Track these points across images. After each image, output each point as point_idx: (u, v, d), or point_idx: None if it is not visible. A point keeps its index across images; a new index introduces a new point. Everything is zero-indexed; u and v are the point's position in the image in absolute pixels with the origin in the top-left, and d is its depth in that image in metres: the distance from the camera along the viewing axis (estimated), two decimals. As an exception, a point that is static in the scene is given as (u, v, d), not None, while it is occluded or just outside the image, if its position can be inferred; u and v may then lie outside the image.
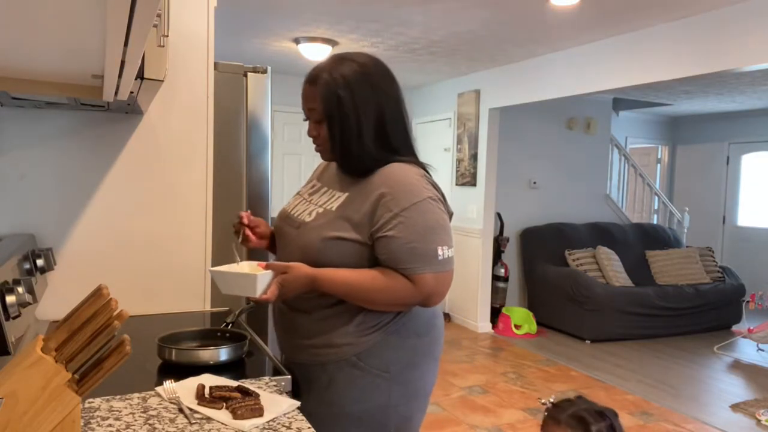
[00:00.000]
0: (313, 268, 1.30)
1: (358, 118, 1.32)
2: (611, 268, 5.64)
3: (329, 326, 1.36)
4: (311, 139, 1.43)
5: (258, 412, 1.11)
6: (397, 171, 1.33)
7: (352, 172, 1.38)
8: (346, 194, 1.37)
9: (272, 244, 1.58)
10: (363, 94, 1.33)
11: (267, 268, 1.28)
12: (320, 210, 1.38)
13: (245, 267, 1.38)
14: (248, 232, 1.49)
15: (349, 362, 1.34)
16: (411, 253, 1.27)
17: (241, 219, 1.49)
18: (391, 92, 1.38)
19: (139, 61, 1.09)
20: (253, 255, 1.97)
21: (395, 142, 1.37)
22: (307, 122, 1.41)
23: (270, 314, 2.21)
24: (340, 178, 1.43)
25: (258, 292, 1.25)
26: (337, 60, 1.36)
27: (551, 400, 1.45)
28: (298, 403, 1.18)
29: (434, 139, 6.16)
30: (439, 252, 1.29)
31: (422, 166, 1.40)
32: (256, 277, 1.25)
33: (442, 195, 1.37)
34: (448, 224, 1.34)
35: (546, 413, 1.43)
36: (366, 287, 1.29)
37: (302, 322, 1.40)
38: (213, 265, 2.01)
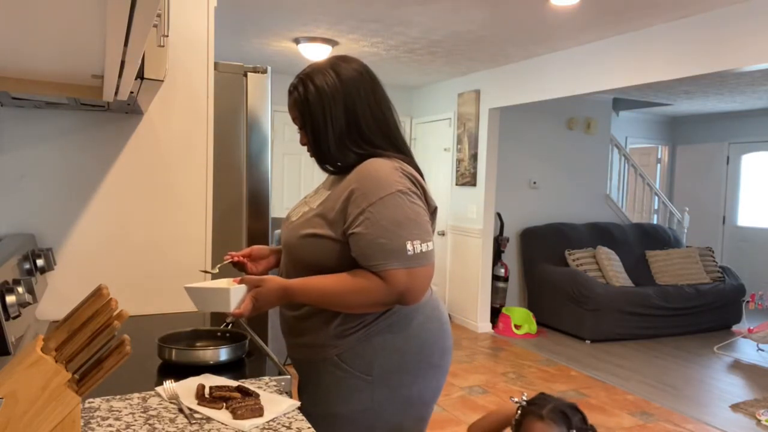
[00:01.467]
0: (286, 279, 1.30)
1: (326, 118, 1.33)
2: (611, 268, 5.64)
3: (312, 326, 1.37)
4: None
5: (258, 412, 1.11)
6: (369, 166, 1.30)
7: (333, 172, 1.41)
8: (328, 192, 1.37)
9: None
10: (330, 95, 1.33)
11: (241, 282, 1.28)
12: (305, 209, 1.41)
13: (223, 283, 1.36)
14: (240, 260, 1.49)
15: (332, 362, 1.35)
16: (379, 249, 1.23)
17: (233, 260, 1.49)
18: (364, 89, 1.36)
19: (139, 61, 1.09)
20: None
21: (374, 139, 1.35)
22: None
23: (270, 314, 2.21)
24: (331, 179, 1.45)
25: (232, 306, 1.24)
26: (311, 67, 1.39)
27: (524, 398, 1.47)
28: (298, 403, 1.18)
29: (434, 139, 6.16)
30: (408, 246, 1.24)
31: (404, 160, 1.35)
32: (229, 291, 1.24)
33: (422, 187, 1.33)
34: (421, 217, 1.28)
35: (521, 411, 1.43)
36: (338, 291, 1.26)
37: (293, 321, 1.42)
38: (214, 265, 2.02)
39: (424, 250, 1.26)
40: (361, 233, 1.25)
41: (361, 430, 1.36)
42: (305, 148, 1.41)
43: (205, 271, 1.59)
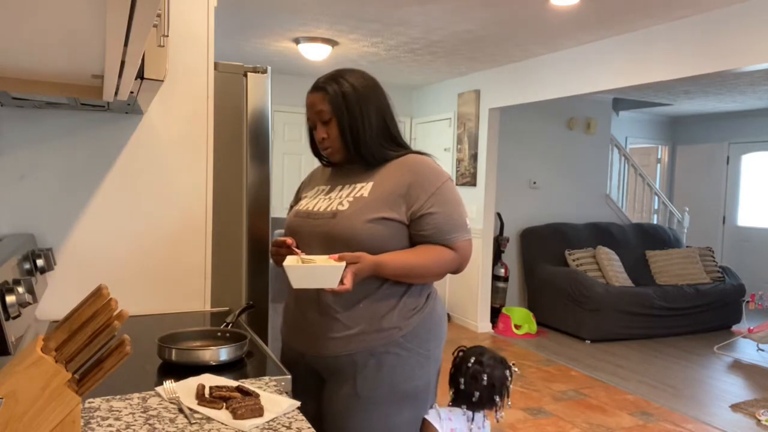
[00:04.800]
0: (375, 255, 1.39)
1: (363, 112, 1.47)
2: (611, 268, 5.64)
3: (375, 313, 1.44)
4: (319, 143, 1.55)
5: (258, 412, 1.11)
6: (418, 159, 1.51)
7: (367, 162, 1.50)
8: (371, 182, 1.48)
9: None
10: (365, 94, 1.49)
11: (340, 259, 1.32)
12: (350, 199, 1.46)
13: (319, 260, 1.38)
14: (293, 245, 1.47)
15: (396, 343, 1.45)
16: (453, 223, 1.45)
17: (285, 245, 1.46)
18: (385, 98, 1.55)
19: (139, 61, 1.09)
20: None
21: (397, 137, 1.54)
22: (314, 131, 1.53)
23: (270, 314, 2.21)
24: (354, 173, 1.53)
25: (337, 282, 1.30)
26: (338, 71, 1.52)
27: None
28: (298, 403, 1.18)
29: (434, 139, 6.16)
30: (467, 221, 1.50)
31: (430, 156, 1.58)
32: (339, 268, 1.29)
33: None
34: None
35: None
36: (424, 263, 1.44)
37: (344, 312, 1.44)
38: (213, 265, 2.02)
39: (470, 225, 1.54)
40: (437, 212, 1.44)
41: (419, 401, 1.49)
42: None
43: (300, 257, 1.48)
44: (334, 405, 1.48)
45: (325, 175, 1.64)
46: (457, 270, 1.50)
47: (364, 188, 1.48)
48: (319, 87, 1.50)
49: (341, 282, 1.30)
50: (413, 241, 1.47)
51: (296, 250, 1.45)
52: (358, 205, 1.44)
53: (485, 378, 1.53)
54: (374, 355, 1.44)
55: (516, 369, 1.61)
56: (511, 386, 1.57)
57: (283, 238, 1.50)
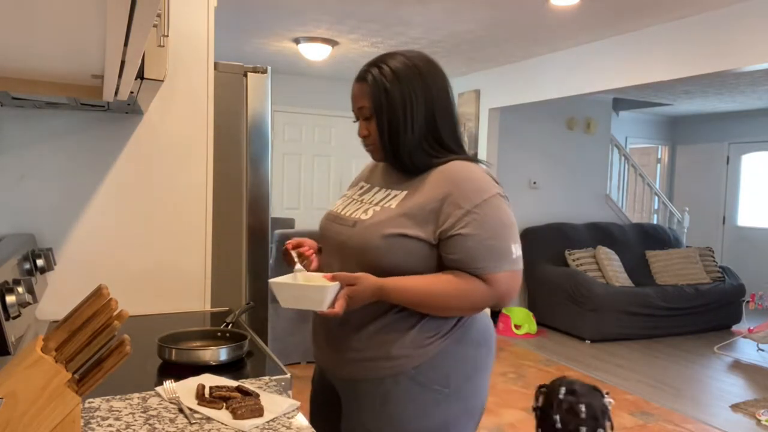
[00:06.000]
0: (379, 277, 1.21)
1: (407, 110, 1.27)
2: (611, 268, 5.64)
3: (385, 338, 1.26)
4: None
5: (258, 412, 1.11)
6: (460, 167, 1.27)
7: (405, 169, 1.32)
8: (405, 192, 1.29)
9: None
10: (411, 87, 1.27)
11: (333, 279, 1.19)
12: (377, 208, 1.30)
13: (299, 278, 1.29)
14: (307, 252, 1.39)
15: (406, 375, 1.25)
16: (488, 250, 1.20)
17: (288, 248, 1.39)
18: (441, 86, 1.31)
19: (139, 61, 1.09)
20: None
21: (446, 138, 1.31)
22: (358, 123, 1.37)
23: (270, 314, 2.21)
24: (395, 177, 1.35)
25: (326, 305, 1.17)
26: (386, 55, 1.32)
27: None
28: (298, 404, 1.18)
29: (434, 139, 6.15)
30: (513, 249, 1.23)
31: (482, 163, 1.34)
32: (326, 290, 1.16)
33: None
34: (515, 222, 1.27)
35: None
36: (439, 293, 1.22)
37: (353, 335, 1.29)
38: (213, 265, 2.02)
39: (520, 254, 1.26)
40: (469, 234, 1.20)
41: None
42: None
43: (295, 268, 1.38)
44: None
45: (376, 170, 1.46)
46: (494, 306, 1.25)
47: (396, 198, 1.29)
48: (360, 76, 1.31)
49: (332, 305, 1.17)
50: (445, 267, 1.24)
51: (292, 253, 1.35)
52: (382, 216, 1.26)
53: (583, 409, 1.30)
54: (382, 385, 1.26)
55: (611, 399, 1.37)
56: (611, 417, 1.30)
57: (298, 240, 1.40)
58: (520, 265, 1.25)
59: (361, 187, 1.44)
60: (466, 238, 1.20)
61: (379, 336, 1.27)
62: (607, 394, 1.37)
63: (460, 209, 1.21)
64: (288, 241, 1.42)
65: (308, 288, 1.20)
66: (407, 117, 1.27)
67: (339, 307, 1.17)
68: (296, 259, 1.36)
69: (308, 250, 1.39)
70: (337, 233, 1.34)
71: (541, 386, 1.39)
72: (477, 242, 1.20)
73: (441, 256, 1.24)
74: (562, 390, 1.32)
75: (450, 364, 1.27)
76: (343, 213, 1.37)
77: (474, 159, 1.33)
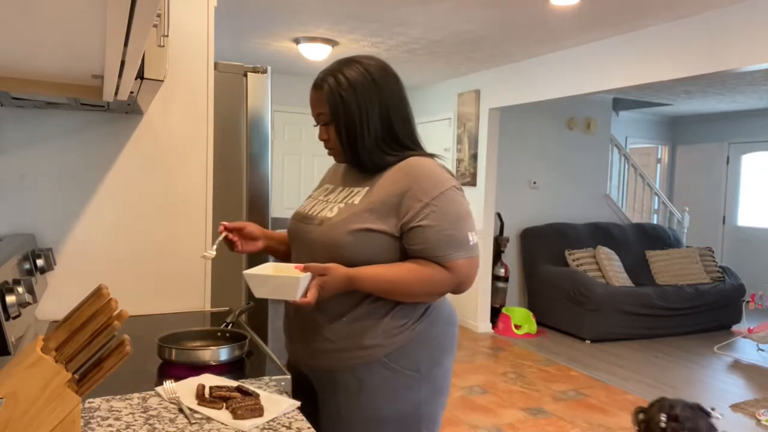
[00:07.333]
0: (349, 267, 1.28)
1: (363, 117, 1.34)
2: (611, 268, 5.64)
3: (357, 328, 1.34)
4: (318, 142, 1.47)
5: (258, 412, 1.11)
6: (417, 163, 1.36)
7: (365, 169, 1.39)
8: (366, 188, 1.37)
9: (275, 246, 1.57)
10: (366, 95, 1.35)
11: (305, 270, 1.25)
12: (342, 205, 1.37)
13: (269, 269, 1.34)
14: (231, 236, 1.48)
15: (379, 363, 1.33)
16: (447, 240, 1.29)
17: (226, 235, 1.49)
18: (395, 91, 1.40)
19: (139, 61, 1.09)
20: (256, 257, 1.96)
21: (402, 137, 1.39)
22: (318, 127, 1.44)
23: (270, 315, 2.21)
24: (356, 175, 1.43)
25: (299, 295, 1.22)
26: (340, 63, 1.39)
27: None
28: (298, 403, 1.18)
29: (434, 139, 6.16)
30: (470, 237, 1.33)
31: (437, 158, 1.43)
32: (299, 280, 1.21)
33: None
34: (471, 211, 1.37)
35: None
36: (406, 281, 1.30)
37: (327, 325, 1.36)
38: (213, 265, 2.02)
39: (476, 241, 1.36)
40: (429, 225, 1.29)
41: (406, 428, 1.36)
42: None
43: (204, 256, 1.50)
44: (319, 424, 1.39)
45: (338, 171, 1.55)
46: (455, 291, 1.34)
47: (358, 194, 1.37)
48: (317, 84, 1.39)
49: (305, 294, 1.23)
50: (408, 257, 1.33)
51: (231, 236, 1.46)
52: (346, 213, 1.34)
53: None
54: (356, 374, 1.34)
55: (718, 414, 1.27)
56: None
57: (234, 224, 1.49)
58: (477, 252, 1.35)
59: (326, 189, 1.52)
60: (426, 229, 1.29)
61: (352, 326, 1.34)
62: (713, 410, 1.30)
63: (420, 202, 1.30)
64: (227, 224, 1.49)
65: (281, 278, 1.24)
66: (363, 123, 1.35)
67: (311, 297, 1.23)
68: (219, 239, 1.46)
69: (235, 236, 1.49)
70: (306, 232, 1.41)
71: (638, 411, 1.31)
72: (436, 232, 1.29)
73: (404, 247, 1.32)
74: (662, 418, 1.24)
75: (419, 350, 1.36)
76: (310, 213, 1.44)
77: (429, 154, 1.41)
